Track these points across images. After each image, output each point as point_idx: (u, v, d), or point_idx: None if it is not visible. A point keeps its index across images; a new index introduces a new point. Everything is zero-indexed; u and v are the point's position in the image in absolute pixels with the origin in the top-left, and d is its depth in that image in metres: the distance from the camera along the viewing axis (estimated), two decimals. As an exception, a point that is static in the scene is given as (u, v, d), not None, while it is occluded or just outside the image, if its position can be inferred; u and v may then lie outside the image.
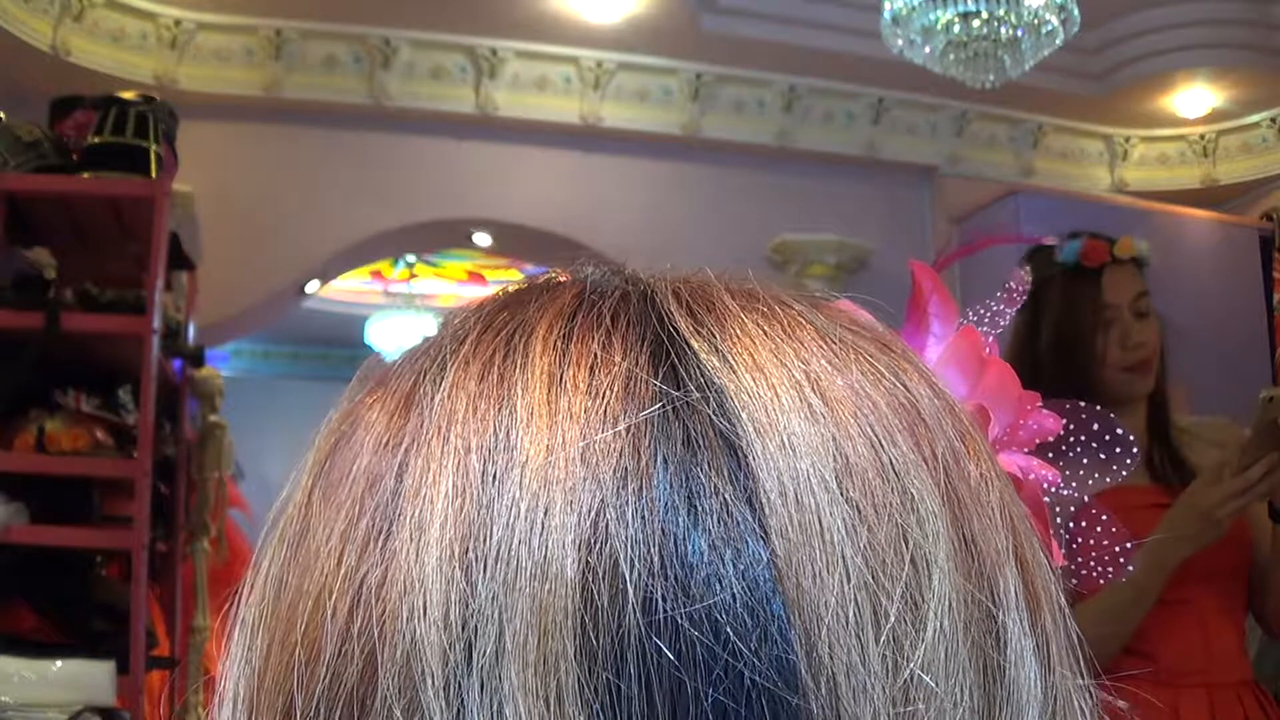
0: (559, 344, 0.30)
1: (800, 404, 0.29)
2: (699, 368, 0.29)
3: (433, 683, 0.26)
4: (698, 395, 0.29)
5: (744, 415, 0.28)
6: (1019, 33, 3.42)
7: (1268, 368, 4.66)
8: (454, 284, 7.40)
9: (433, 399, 0.30)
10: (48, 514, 2.50)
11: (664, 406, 0.28)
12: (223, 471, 3.30)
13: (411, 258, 6.88)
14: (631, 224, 4.81)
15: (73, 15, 4.09)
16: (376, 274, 7.22)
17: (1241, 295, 4.81)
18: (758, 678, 0.26)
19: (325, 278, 5.13)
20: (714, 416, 0.28)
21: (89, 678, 2.11)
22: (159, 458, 2.75)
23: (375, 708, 0.27)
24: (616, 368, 0.29)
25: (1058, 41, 3.50)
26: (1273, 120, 5.02)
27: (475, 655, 0.26)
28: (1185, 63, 4.69)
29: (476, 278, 7.25)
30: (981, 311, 0.48)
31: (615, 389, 0.29)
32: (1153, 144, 5.33)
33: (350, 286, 7.16)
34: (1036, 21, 3.42)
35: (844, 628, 0.26)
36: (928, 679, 0.27)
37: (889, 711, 0.26)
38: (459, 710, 0.26)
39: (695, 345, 0.30)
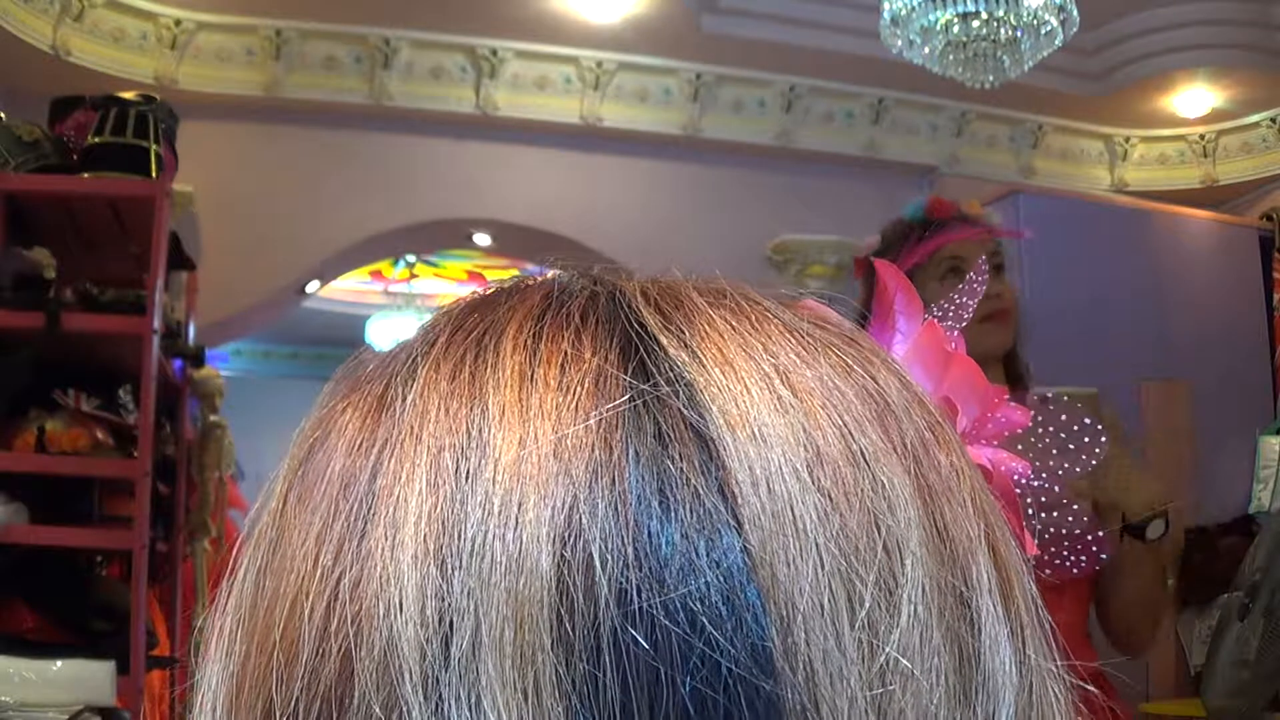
0: (529, 343, 0.30)
1: (769, 396, 0.29)
2: (668, 363, 0.30)
3: (410, 678, 0.26)
4: (667, 389, 0.29)
5: (714, 408, 0.29)
6: (1018, 33, 3.42)
7: (1268, 368, 4.66)
8: (454, 284, 7.39)
9: (404, 400, 0.30)
10: (48, 514, 2.50)
11: (634, 401, 0.29)
12: (223, 471, 3.30)
13: (411, 258, 6.88)
14: (631, 224, 4.81)
15: (73, 15, 4.09)
16: (376, 274, 7.22)
17: (1241, 295, 4.81)
18: (734, 665, 0.26)
19: (325, 278, 5.13)
20: (684, 410, 0.28)
21: (89, 678, 2.11)
22: (159, 458, 2.75)
23: (354, 705, 0.27)
24: (587, 364, 0.30)
25: (1057, 42, 3.50)
26: (1273, 120, 5.02)
27: (452, 649, 0.26)
28: (1185, 63, 4.69)
29: (476, 278, 7.25)
30: (946, 306, 0.48)
31: (586, 385, 0.29)
32: (1153, 144, 5.33)
33: (350, 286, 7.16)
34: (1036, 22, 3.42)
35: (819, 614, 0.27)
36: (905, 662, 0.27)
37: (865, 696, 0.26)
38: (437, 704, 0.26)
39: (664, 341, 0.30)
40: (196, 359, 3.29)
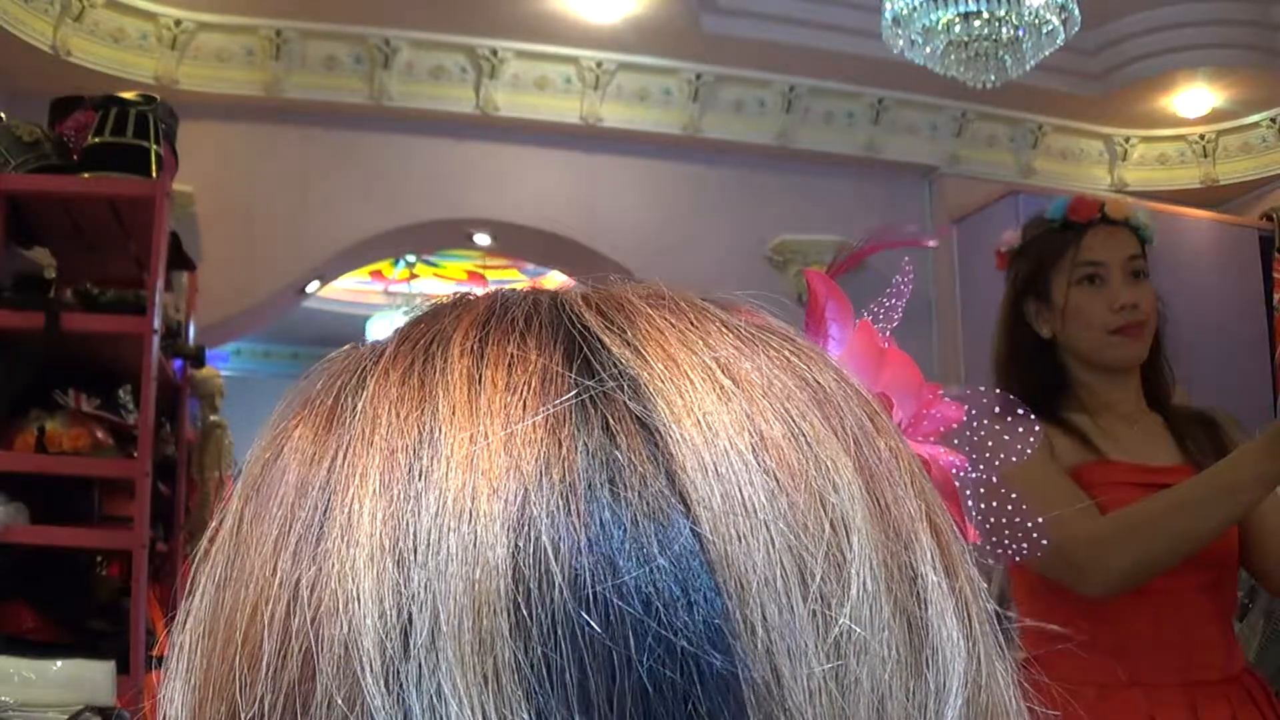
0: (475, 348, 0.31)
1: (712, 386, 0.30)
2: (612, 360, 0.30)
3: (371, 669, 0.26)
4: (612, 385, 0.30)
5: (659, 400, 0.29)
6: (1020, 32, 3.42)
7: (1268, 368, 4.66)
8: (454, 284, 7.40)
9: (355, 409, 0.31)
10: (48, 514, 2.50)
11: (580, 397, 0.29)
12: (223, 471, 3.30)
13: (411, 258, 6.88)
14: (631, 224, 4.81)
15: (73, 15, 4.09)
16: (376, 274, 7.23)
17: (1241, 295, 4.80)
18: (689, 644, 0.26)
19: (325, 278, 5.13)
20: (629, 403, 0.29)
21: (89, 678, 2.11)
22: (159, 458, 2.75)
23: (317, 700, 0.27)
24: (533, 365, 0.30)
25: (1058, 41, 3.50)
26: (1273, 120, 5.02)
27: (411, 640, 0.26)
28: (1185, 63, 4.69)
29: (476, 278, 7.25)
30: (875, 309, 0.49)
31: (533, 385, 0.30)
32: (1152, 144, 5.33)
33: (350, 286, 7.16)
34: (1037, 21, 3.42)
35: (772, 588, 0.27)
36: (859, 630, 0.28)
37: (823, 667, 0.27)
38: (399, 695, 0.26)
39: (607, 340, 0.31)
40: (196, 359, 3.29)
